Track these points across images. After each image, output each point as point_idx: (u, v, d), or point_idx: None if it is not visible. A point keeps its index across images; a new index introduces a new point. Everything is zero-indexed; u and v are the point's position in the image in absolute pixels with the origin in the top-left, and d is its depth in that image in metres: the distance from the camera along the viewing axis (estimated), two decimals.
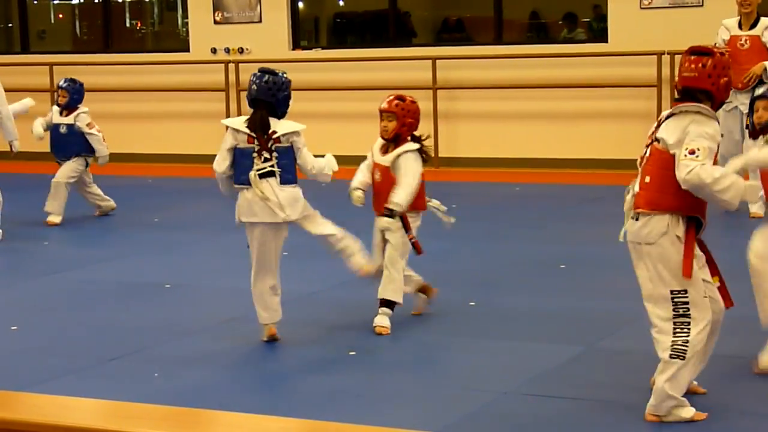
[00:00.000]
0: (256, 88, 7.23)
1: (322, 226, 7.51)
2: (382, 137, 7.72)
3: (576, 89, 14.46)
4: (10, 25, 18.43)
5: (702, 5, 13.93)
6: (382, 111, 7.69)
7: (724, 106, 11.05)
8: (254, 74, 7.33)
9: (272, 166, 7.17)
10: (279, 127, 7.20)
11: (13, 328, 8.06)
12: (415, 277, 7.87)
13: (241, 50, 16.14)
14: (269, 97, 7.21)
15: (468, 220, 8.45)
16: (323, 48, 16.09)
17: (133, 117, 16.55)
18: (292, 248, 10.23)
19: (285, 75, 7.36)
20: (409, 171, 7.55)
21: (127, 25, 18.27)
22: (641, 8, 14.20)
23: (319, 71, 15.59)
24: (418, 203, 7.67)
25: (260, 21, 16.04)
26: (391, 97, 7.78)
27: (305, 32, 16.66)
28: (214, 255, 10.25)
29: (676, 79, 6.17)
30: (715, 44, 11.22)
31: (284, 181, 7.20)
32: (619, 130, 14.33)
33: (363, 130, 15.25)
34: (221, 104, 16.09)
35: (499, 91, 14.74)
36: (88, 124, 11.86)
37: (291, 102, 7.37)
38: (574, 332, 7.46)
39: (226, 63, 16.05)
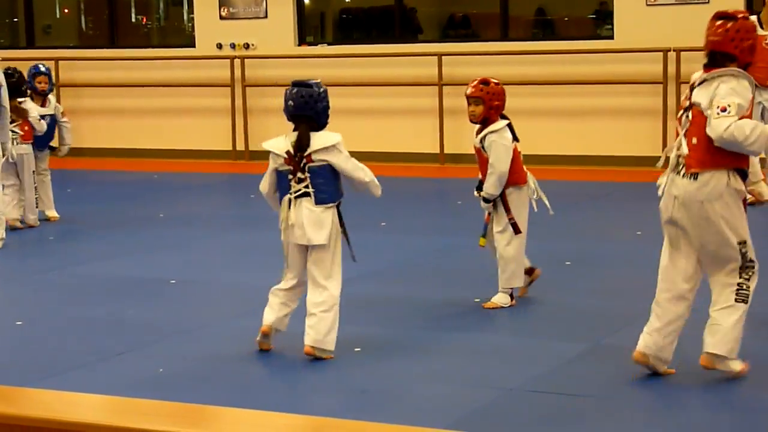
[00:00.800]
0: (293, 103, 6.98)
1: (328, 277, 7.00)
2: (471, 121, 8.06)
3: (582, 86, 14.45)
4: (15, 19, 18.44)
5: (708, 2, 13.91)
6: (467, 96, 7.99)
7: (756, 99, 11.42)
8: (288, 89, 7.06)
9: (306, 186, 6.91)
10: (312, 143, 6.92)
11: (18, 323, 8.06)
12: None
13: (246, 46, 16.13)
14: (308, 110, 6.98)
15: (475, 216, 8.44)
16: (329, 44, 16.09)
17: (139, 112, 16.55)
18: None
19: (319, 84, 7.10)
20: (493, 154, 7.88)
21: (133, 20, 18.27)
22: (647, 5, 14.18)
23: (324, 67, 15.57)
24: (514, 178, 7.96)
25: (266, 16, 16.04)
26: (476, 82, 8.04)
27: (311, 28, 16.65)
28: (219, 251, 10.25)
29: (705, 42, 6.29)
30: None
31: (319, 201, 6.90)
32: (625, 126, 14.32)
33: (369, 125, 15.27)
34: (227, 99, 16.09)
35: (505, 87, 14.70)
36: (62, 113, 11.70)
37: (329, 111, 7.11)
38: (579, 329, 7.46)
39: (232, 58, 16.04)
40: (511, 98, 14.89)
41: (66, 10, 18.97)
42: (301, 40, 16.07)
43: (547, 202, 8.25)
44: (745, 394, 6.26)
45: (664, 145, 14.04)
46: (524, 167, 8.15)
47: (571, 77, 14.45)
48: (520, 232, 7.95)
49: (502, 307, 7.92)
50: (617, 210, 11.91)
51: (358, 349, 7.10)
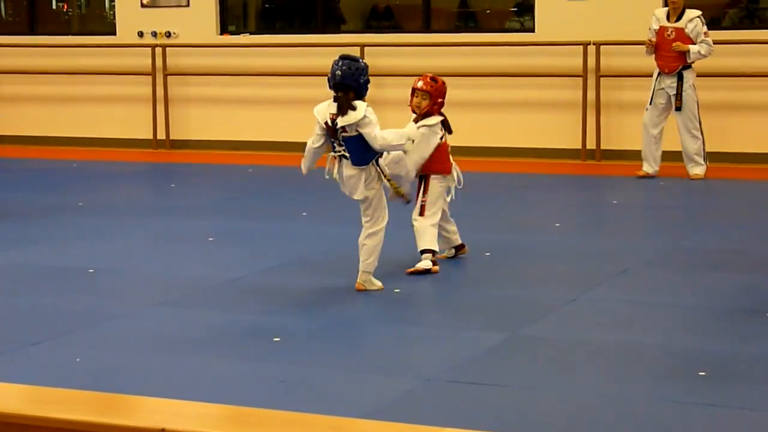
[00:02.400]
0: (341, 73, 7.86)
1: (372, 224, 8.13)
2: (414, 112, 8.73)
3: (503, 78, 14.54)
4: None
5: None
6: (416, 89, 8.68)
7: (655, 86, 12.55)
8: (337, 61, 7.96)
9: (344, 151, 7.93)
10: (348, 116, 7.84)
11: None
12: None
13: (168, 34, 16.04)
14: (353, 81, 7.86)
15: (394, 207, 8.48)
16: (251, 33, 16.04)
17: (59, 100, 16.40)
18: (218, 234, 10.22)
19: (362, 61, 8.06)
20: (418, 142, 8.61)
21: (53, 7, 18.07)
22: None
23: (246, 56, 15.54)
24: (440, 168, 8.74)
25: (188, 5, 15.95)
26: (426, 77, 8.74)
27: (233, 17, 16.59)
28: (138, 240, 10.20)
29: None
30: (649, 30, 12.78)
31: (355, 163, 7.96)
32: (545, 119, 14.43)
33: (291, 115, 15.25)
34: (148, 88, 15.99)
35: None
36: None
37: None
38: (497, 319, 7.51)
39: (153, 47, 15.94)
40: None
41: None
42: (224, 29, 16.00)
43: (461, 181, 8.96)
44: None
45: (584, 137, 14.18)
46: (450, 159, 8.86)
47: (493, 69, 14.54)
48: (423, 215, 8.68)
49: (425, 271, 8.47)
50: (536, 201, 12.00)
51: (277, 339, 7.11)
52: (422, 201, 8.72)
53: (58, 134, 16.32)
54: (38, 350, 7.03)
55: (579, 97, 14.19)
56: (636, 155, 13.89)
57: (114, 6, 16.48)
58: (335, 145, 7.99)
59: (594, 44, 14.06)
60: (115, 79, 16.20)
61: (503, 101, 14.63)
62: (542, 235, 10.17)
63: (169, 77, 15.95)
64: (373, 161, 8.02)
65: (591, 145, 14.19)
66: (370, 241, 8.11)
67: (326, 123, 7.93)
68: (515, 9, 15.54)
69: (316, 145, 8.09)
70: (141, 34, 16.14)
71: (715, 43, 13.00)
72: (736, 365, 6.61)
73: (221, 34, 15.94)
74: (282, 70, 15.39)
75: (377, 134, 7.87)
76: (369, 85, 8.03)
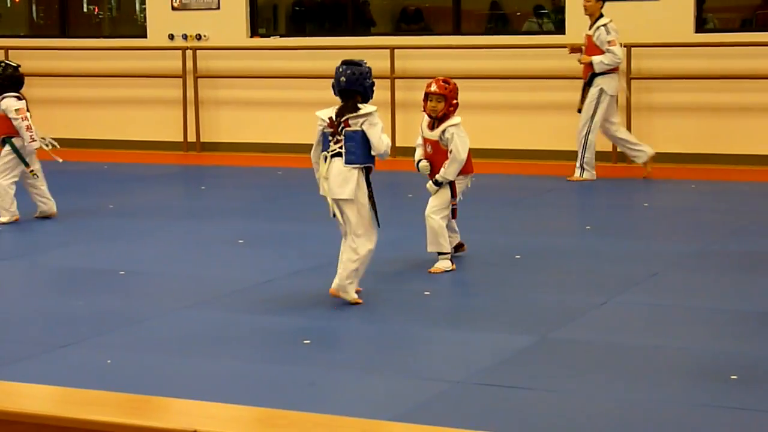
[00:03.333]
0: (345, 79, 7.80)
1: (357, 234, 7.84)
2: (430, 116, 8.81)
3: (534, 80, 14.50)
4: None
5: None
6: (430, 93, 8.78)
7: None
8: (339, 67, 7.88)
9: (340, 147, 7.76)
10: (354, 111, 7.78)
11: None
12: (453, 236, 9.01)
13: (198, 37, 16.08)
14: (359, 86, 7.79)
15: (424, 209, 8.48)
16: (281, 36, 16.06)
17: (90, 102, 16.46)
18: (248, 236, 10.24)
19: (366, 64, 7.95)
20: (454, 145, 8.72)
21: (84, 10, 18.15)
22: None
23: (277, 59, 15.56)
24: (466, 167, 8.87)
25: (218, 8, 15.99)
26: (439, 80, 8.87)
27: (263, 20, 16.62)
28: (169, 242, 10.22)
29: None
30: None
31: (347, 161, 7.76)
32: (576, 121, 14.37)
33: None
34: (178, 90, 16.03)
35: (457, 81, 14.73)
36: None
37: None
38: (527, 323, 7.50)
39: (184, 49, 15.98)
40: (464, 92, 14.94)
41: None
42: (254, 32, 16.03)
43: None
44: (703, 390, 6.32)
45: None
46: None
47: (524, 72, 14.51)
48: (455, 217, 8.96)
49: (446, 271, 8.66)
50: (567, 204, 11.97)
51: (307, 341, 7.11)
52: (453, 205, 8.87)
53: (88, 137, 16.38)
54: (69, 352, 7.05)
55: None
56: (667, 157, 13.85)
57: (145, 9, 16.53)
58: (331, 143, 7.80)
59: (625, 46, 14.00)
60: (145, 82, 16.25)
61: (533, 103, 14.59)
62: (573, 237, 10.14)
63: (199, 80, 15.98)
64: (363, 169, 7.82)
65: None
66: (347, 258, 7.83)
67: (330, 118, 7.81)
68: (545, 11, 15.51)
69: (318, 151, 7.96)
70: (171, 37, 16.19)
71: (750, 45, 12.93)
72: (767, 369, 6.57)
73: (251, 36, 15.97)
74: (312, 72, 15.40)
75: (383, 136, 7.79)
76: (375, 88, 7.95)
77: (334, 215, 7.85)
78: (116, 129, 16.42)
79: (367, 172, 7.86)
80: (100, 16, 18.46)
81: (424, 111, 8.83)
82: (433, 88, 8.80)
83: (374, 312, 7.83)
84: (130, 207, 11.89)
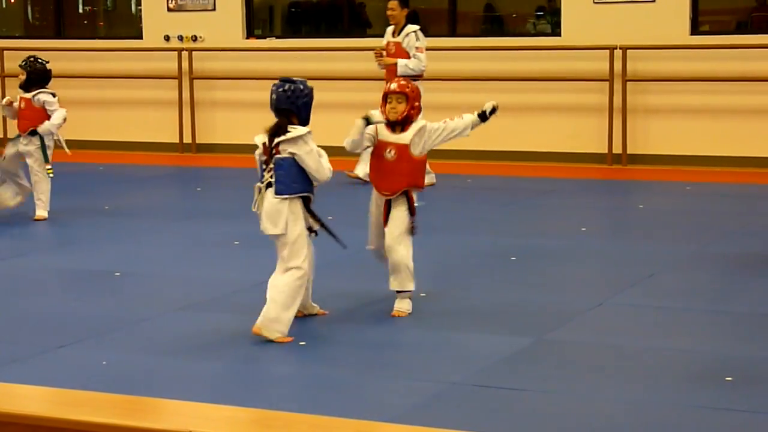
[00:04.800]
0: (275, 97, 7.29)
1: (286, 264, 7.23)
2: (389, 119, 7.72)
3: (529, 82, 14.51)
4: None
5: (654, 1, 14.02)
6: (390, 93, 7.72)
7: None
8: (274, 84, 7.39)
9: (271, 176, 7.18)
10: (284, 136, 7.19)
11: None
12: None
13: (194, 38, 16.08)
14: (289, 104, 7.27)
15: (419, 211, 8.46)
16: (277, 37, 16.06)
17: (85, 103, 16.45)
18: (243, 238, 10.23)
19: (305, 82, 7.44)
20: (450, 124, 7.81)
21: (80, 11, 18.14)
22: (594, 3, 14.27)
23: (272, 60, 15.55)
24: (420, 181, 7.80)
25: (214, 9, 15.99)
26: (400, 80, 7.90)
27: (259, 21, 16.62)
28: (164, 243, 10.22)
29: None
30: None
31: (277, 192, 7.15)
32: (571, 123, 14.40)
33: (316, 119, 15.22)
34: (174, 92, 16.02)
35: (452, 83, 14.76)
36: None
37: (311, 108, 7.41)
38: (523, 324, 7.50)
39: (180, 51, 15.98)
40: (459, 94, 15.04)
41: (12, 0, 18.82)
42: (250, 33, 16.03)
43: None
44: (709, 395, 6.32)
45: (610, 141, 14.15)
46: None
47: (519, 74, 14.52)
48: (414, 234, 7.79)
49: (409, 314, 7.70)
50: (562, 206, 11.98)
51: (303, 343, 7.11)
52: (412, 223, 7.74)
53: (84, 138, 16.35)
54: (65, 353, 7.05)
55: (605, 102, 14.15)
56: (663, 160, 13.88)
57: (140, 10, 16.53)
58: (264, 172, 7.21)
59: (620, 48, 14.02)
60: (141, 83, 16.25)
61: (529, 105, 14.60)
62: (568, 239, 10.15)
63: (195, 81, 15.98)
64: (301, 199, 7.23)
65: (617, 149, 14.15)
66: (279, 283, 7.18)
67: (264, 144, 7.21)
68: (541, 13, 15.52)
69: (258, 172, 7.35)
70: (167, 38, 16.18)
71: (745, 47, 12.95)
72: (763, 370, 6.57)
73: (247, 38, 15.97)
74: (307, 74, 15.33)
75: (320, 160, 7.20)
76: (310, 110, 7.37)
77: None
78: (112, 130, 16.41)
79: (305, 202, 7.25)
80: (96, 17, 18.44)
81: (382, 112, 7.78)
82: (393, 86, 7.76)
83: (370, 313, 7.82)
84: (125, 208, 11.88)
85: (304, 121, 7.30)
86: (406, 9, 13.03)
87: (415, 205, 7.80)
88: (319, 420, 3.41)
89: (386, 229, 7.73)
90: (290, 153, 7.15)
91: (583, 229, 10.66)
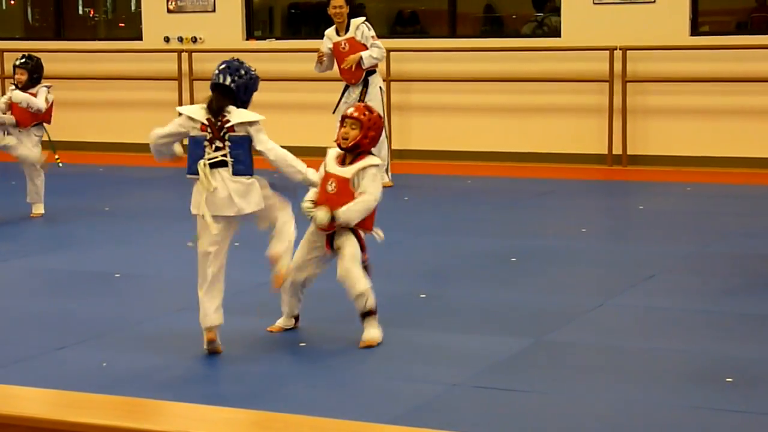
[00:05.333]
0: (216, 72, 7.03)
1: (282, 217, 7.08)
2: (339, 146, 7.19)
3: (529, 83, 14.51)
4: None
5: (654, 2, 14.02)
6: (345, 117, 7.22)
7: (342, 100, 12.51)
8: (221, 62, 7.17)
9: (224, 155, 6.87)
10: (235, 116, 6.88)
11: None
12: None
13: (194, 39, 16.08)
14: (228, 81, 6.97)
15: (419, 212, 8.47)
16: (277, 38, 16.06)
17: (85, 105, 16.45)
18: (243, 239, 10.22)
19: (250, 67, 7.16)
20: (371, 189, 7.08)
21: (80, 12, 18.14)
22: (594, 4, 14.27)
23: (272, 62, 15.54)
24: (367, 223, 7.19)
25: (214, 10, 15.99)
26: (360, 105, 7.37)
27: (259, 22, 16.62)
28: (164, 245, 10.21)
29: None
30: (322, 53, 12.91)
31: (236, 172, 6.87)
32: (571, 124, 14.40)
33: (316, 120, 15.25)
34: (174, 93, 16.02)
35: (452, 84, 14.77)
36: None
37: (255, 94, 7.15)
38: (523, 325, 7.50)
39: (179, 52, 15.98)
40: (459, 95, 15.05)
41: (12, 1, 18.82)
42: (249, 35, 16.03)
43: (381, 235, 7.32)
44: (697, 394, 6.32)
45: (610, 142, 14.15)
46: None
47: (518, 75, 14.52)
48: (369, 276, 7.22)
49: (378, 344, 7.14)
50: (562, 207, 11.97)
51: (303, 344, 7.11)
52: (364, 260, 7.21)
53: (84, 139, 16.37)
54: (64, 355, 7.05)
55: (605, 102, 14.15)
56: (663, 160, 13.88)
57: (140, 11, 16.53)
58: (207, 150, 6.89)
59: (620, 49, 14.02)
60: (141, 84, 16.25)
61: (529, 106, 14.59)
62: (568, 240, 10.14)
63: (195, 82, 15.98)
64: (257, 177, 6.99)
65: (617, 150, 14.15)
66: (281, 232, 7.08)
67: (208, 119, 6.87)
68: (541, 14, 15.52)
69: (163, 134, 7.21)
70: (167, 40, 16.19)
71: (745, 48, 12.94)
72: (763, 371, 6.57)
73: (247, 39, 15.97)
74: (307, 75, 15.38)
75: (273, 144, 6.97)
76: (250, 97, 7.07)
77: (193, 243, 7.08)
78: (112, 131, 16.41)
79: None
80: (95, 19, 18.45)
81: (336, 140, 7.28)
82: (350, 111, 7.23)
83: None
84: (125, 209, 11.88)
85: (243, 104, 7.00)
86: (347, 5, 13.01)
87: (377, 237, 7.25)
88: (318, 422, 3.40)
89: (338, 261, 7.16)
90: (246, 134, 6.88)
91: (583, 230, 10.66)
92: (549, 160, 14.36)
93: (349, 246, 7.11)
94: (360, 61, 12.61)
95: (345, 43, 12.80)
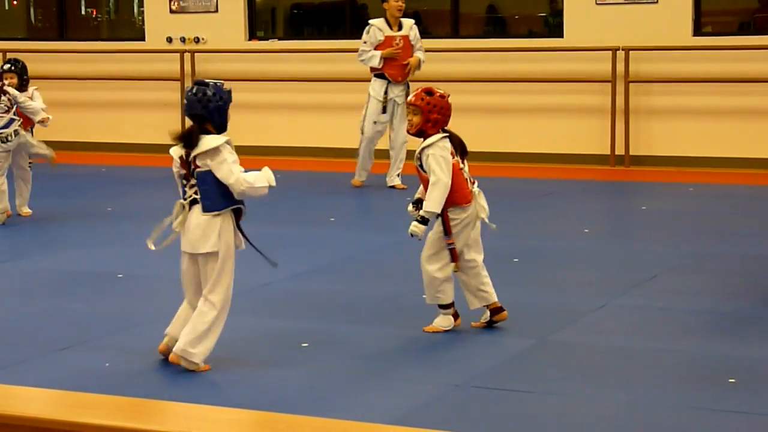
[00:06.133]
0: (186, 101, 6.73)
1: (213, 285, 6.73)
2: (408, 132, 7.44)
3: (531, 84, 14.51)
4: None
5: (657, 2, 14.01)
6: (407, 104, 7.40)
7: (379, 97, 12.43)
8: (187, 87, 6.90)
9: (195, 192, 6.66)
10: (199, 146, 6.60)
11: None
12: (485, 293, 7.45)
13: (197, 40, 16.08)
14: (200, 109, 6.68)
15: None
16: (279, 39, 16.06)
17: (88, 105, 16.46)
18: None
19: (221, 84, 6.86)
20: (435, 166, 7.11)
21: (83, 12, 18.14)
22: (597, 4, 14.27)
23: (275, 62, 15.56)
24: (455, 197, 7.24)
25: (216, 11, 15.99)
26: (419, 90, 7.36)
27: (261, 23, 16.62)
28: (167, 246, 10.19)
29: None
30: (364, 42, 12.74)
31: (205, 209, 6.62)
32: (574, 125, 14.40)
33: (318, 121, 15.27)
34: (176, 93, 16.02)
35: (455, 84, 14.75)
36: None
37: (227, 113, 6.92)
38: (525, 325, 7.49)
39: (182, 52, 15.99)
40: (462, 95, 15.01)
41: (14, 2, 18.82)
42: (252, 35, 16.03)
43: (486, 220, 7.55)
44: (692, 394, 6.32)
45: (612, 143, 14.14)
46: (470, 185, 7.45)
47: (521, 75, 14.51)
48: (456, 260, 7.32)
49: (445, 330, 7.32)
50: (565, 207, 11.97)
51: (305, 344, 7.11)
52: (448, 245, 7.31)
53: (86, 140, 16.38)
54: (67, 355, 7.05)
55: (608, 103, 14.15)
56: (666, 161, 13.88)
57: (143, 11, 16.53)
58: (186, 188, 6.70)
59: (623, 49, 14.02)
60: (143, 85, 16.25)
61: (531, 107, 14.59)
62: (571, 241, 10.14)
63: None
64: (231, 212, 6.69)
65: (620, 150, 14.15)
66: (198, 317, 6.65)
67: (181, 158, 6.67)
68: (543, 14, 15.52)
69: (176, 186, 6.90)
70: (170, 40, 16.19)
71: (747, 48, 12.94)
72: (766, 372, 6.57)
73: (249, 39, 15.97)
74: (310, 75, 15.39)
75: (236, 174, 6.57)
76: (227, 114, 6.84)
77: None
78: (114, 132, 16.42)
79: (236, 215, 6.72)
80: (98, 19, 18.46)
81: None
82: (410, 98, 7.36)
83: (372, 315, 7.82)
84: (128, 210, 11.88)
85: (220, 127, 6.74)
86: None
87: (454, 229, 7.29)
88: (321, 422, 3.41)
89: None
90: (207, 165, 6.58)
91: (586, 230, 10.66)
92: (551, 160, 14.36)
93: (431, 238, 7.36)
94: (419, 64, 12.75)
95: (400, 39, 12.77)
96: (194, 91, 6.71)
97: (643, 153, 14.14)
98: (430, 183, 7.14)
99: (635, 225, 11.29)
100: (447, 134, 7.33)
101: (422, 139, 7.28)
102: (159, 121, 16.24)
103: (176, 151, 6.74)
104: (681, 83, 13.89)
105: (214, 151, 6.58)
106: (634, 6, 14.14)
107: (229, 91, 6.89)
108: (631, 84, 14.06)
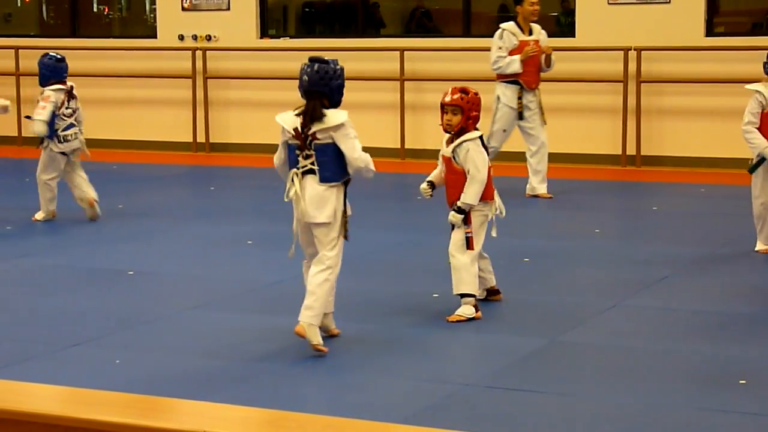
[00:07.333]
0: (307, 78, 6.98)
1: (329, 251, 7.00)
2: (446, 131, 7.67)
3: (543, 83, 14.46)
4: None
5: (669, 2, 13.99)
6: (445, 104, 7.62)
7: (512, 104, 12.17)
8: (304, 64, 7.11)
9: (312, 163, 6.88)
10: (318, 122, 6.86)
11: None
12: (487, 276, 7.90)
13: (208, 38, 16.09)
14: (322, 86, 6.95)
15: (434, 212, 8.46)
16: (291, 37, 16.06)
17: (99, 102, 16.47)
18: (257, 237, 10.23)
19: (336, 62, 7.18)
20: (475, 162, 7.55)
21: (95, 10, 18.17)
22: (609, 4, 14.25)
23: (286, 60, 15.55)
24: (484, 193, 7.64)
25: (228, 8, 16.00)
26: (456, 90, 7.68)
27: (273, 21, 16.62)
28: (178, 243, 10.22)
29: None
30: (499, 48, 12.35)
31: (322, 179, 6.88)
32: (585, 124, 14.38)
33: None
34: (188, 91, 16.04)
35: (465, 83, 14.73)
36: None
37: (344, 90, 7.14)
38: (536, 326, 7.49)
39: (194, 50, 16.00)
40: None
41: None
42: (264, 33, 16.04)
43: (502, 210, 7.92)
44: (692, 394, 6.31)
45: (624, 143, 14.12)
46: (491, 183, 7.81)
47: None
48: (472, 248, 7.65)
49: (469, 319, 7.52)
50: (576, 207, 11.95)
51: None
52: (467, 233, 7.67)
53: (98, 137, 16.37)
54: (78, 352, 7.06)
55: (619, 103, 14.13)
56: (677, 161, 13.85)
57: (155, 9, 16.55)
58: (299, 158, 6.90)
59: (635, 49, 14.00)
60: (155, 82, 16.26)
61: (543, 106, 14.55)
62: (582, 241, 10.13)
63: (209, 80, 15.99)
64: (343, 183, 6.99)
65: (631, 150, 14.13)
66: (319, 288, 6.91)
67: (295, 129, 6.88)
68: (555, 14, 15.50)
69: (282, 160, 7.09)
70: (181, 38, 16.20)
71: (760, 49, 12.90)
72: None
73: (261, 37, 15.98)
74: None
75: (359, 149, 6.87)
76: (344, 90, 7.09)
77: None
78: (125, 129, 16.44)
79: (346, 185, 7.02)
80: (110, 16, 18.48)
81: (441, 125, 7.76)
82: (448, 98, 7.64)
83: (382, 314, 7.81)
84: (139, 207, 11.90)
85: (336, 104, 7.01)
86: None
87: (476, 223, 7.66)
88: (331, 421, 3.41)
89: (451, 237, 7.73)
90: (330, 139, 6.85)
91: (597, 230, 10.65)
92: (563, 160, 14.33)
93: (474, 221, 7.67)
94: (550, 60, 12.37)
95: (534, 44, 12.33)
96: (315, 68, 7.02)
97: (655, 153, 14.12)
98: (469, 176, 7.55)
99: (646, 225, 11.27)
100: (481, 133, 7.70)
101: (458, 137, 7.62)
102: (171, 118, 16.25)
103: (290, 122, 6.94)
104: (693, 84, 13.87)
105: (339, 126, 6.86)
106: (647, 6, 14.12)
107: (343, 70, 7.20)
108: (642, 84, 14.04)
